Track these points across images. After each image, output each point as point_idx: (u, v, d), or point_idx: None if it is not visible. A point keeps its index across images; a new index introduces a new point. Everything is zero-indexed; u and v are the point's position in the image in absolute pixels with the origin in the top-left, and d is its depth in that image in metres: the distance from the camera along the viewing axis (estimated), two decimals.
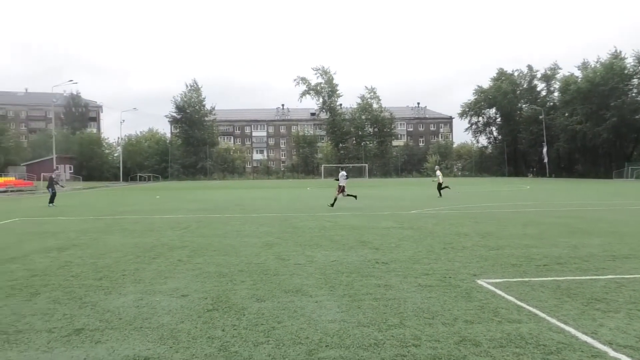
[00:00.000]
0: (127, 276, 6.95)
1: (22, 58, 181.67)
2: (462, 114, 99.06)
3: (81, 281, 6.66)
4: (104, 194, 38.43)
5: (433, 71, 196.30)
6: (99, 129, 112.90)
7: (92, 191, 44.31)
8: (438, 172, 27.24)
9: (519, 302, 5.39)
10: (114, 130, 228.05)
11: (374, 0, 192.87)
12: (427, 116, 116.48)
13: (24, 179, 53.65)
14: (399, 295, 5.72)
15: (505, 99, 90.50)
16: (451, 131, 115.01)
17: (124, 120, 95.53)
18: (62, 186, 23.54)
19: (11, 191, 42.13)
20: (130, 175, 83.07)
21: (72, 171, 72.73)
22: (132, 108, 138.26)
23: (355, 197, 21.52)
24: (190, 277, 6.86)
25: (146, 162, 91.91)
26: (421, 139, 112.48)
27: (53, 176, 24.87)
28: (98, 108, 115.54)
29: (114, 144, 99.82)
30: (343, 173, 21.08)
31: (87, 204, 25.16)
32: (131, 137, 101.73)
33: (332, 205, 19.52)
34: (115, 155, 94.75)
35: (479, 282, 6.37)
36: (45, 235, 11.71)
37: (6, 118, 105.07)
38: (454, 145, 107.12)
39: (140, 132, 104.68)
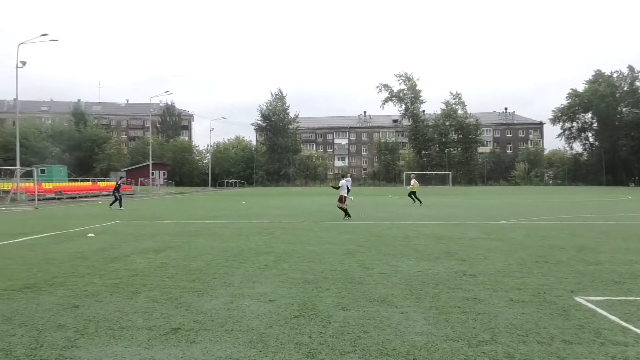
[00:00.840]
0: (217, 279, 7.24)
1: (126, 71, 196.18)
2: (554, 120, 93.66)
3: (176, 282, 7.04)
4: (194, 199, 40.45)
5: (521, 75, 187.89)
6: (190, 137, 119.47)
7: (183, 196, 46.80)
8: (413, 181, 27.73)
9: (623, 323, 4.98)
10: (204, 137, 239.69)
11: (458, 3, 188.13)
12: (515, 122, 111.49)
13: (124, 184, 57.63)
14: (489, 310, 5.49)
15: (603, 103, 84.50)
16: (542, 137, 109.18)
17: (213, 129, 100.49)
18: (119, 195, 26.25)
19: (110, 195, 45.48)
20: (218, 181, 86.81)
21: (165, 177, 77.32)
22: (221, 117, 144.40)
23: (348, 215, 17.67)
24: (276, 282, 7.02)
25: (233, 168, 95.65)
26: (509, 146, 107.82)
27: (119, 182, 27.89)
28: (190, 117, 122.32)
29: (204, 151, 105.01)
30: (344, 181, 18.53)
31: (179, 208, 26.60)
32: (219, 144, 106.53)
33: (348, 216, 17.54)
34: (205, 162, 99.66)
35: (577, 299, 5.96)
36: (143, 238, 12.51)
37: (110, 127, 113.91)
38: (545, 152, 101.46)
39: (228, 139, 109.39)
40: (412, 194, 26.74)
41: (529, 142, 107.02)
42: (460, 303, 5.80)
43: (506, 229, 14.27)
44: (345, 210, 17.67)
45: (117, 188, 26.57)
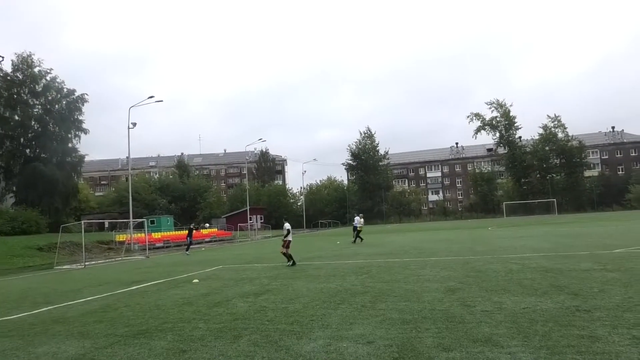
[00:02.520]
0: (315, 321, 7.28)
1: (223, 123, 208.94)
2: None
3: (275, 325, 7.16)
4: None
5: (628, 89, 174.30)
6: (284, 180, 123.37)
7: (280, 239, 47.97)
8: (357, 219, 29.84)
9: None
10: (297, 180, 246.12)
11: (544, 20, 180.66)
12: (625, 140, 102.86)
13: (224, 230, 60.42)
14: (609, 349, 4.99)
15: None
16: None
17: (305, 171, 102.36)
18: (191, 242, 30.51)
19: (214, 241, 47.76)
20: (312, 222, 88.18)
21: (262, 220, 79.91)
22: (312, 159, 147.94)
23: (293, 262, 16.75)
24: (374, 323, 6.91)
25: (326, 208, 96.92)
26: (620, 167, 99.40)
27: (191, 227, 31.49)
28: (283, 161, 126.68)
29: (297, 193, 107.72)
30: (287, 225, 17.59)
31: (276, 251, 27.23)
32: (312, 186, 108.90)
33: (292, 262, 16.58)
34: (299, 204, 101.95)
35: None
36: (243, 282, 12.94)
37: (210, 177, 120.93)
38: None
39: (320, 180, 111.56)
40: (358, 232, 28.92)
41: None
42: (575, 342, 5.33)
43: (624, 258, 13.02)
44: (289, 256, 16.80)
45: (189, 234, 30.43)
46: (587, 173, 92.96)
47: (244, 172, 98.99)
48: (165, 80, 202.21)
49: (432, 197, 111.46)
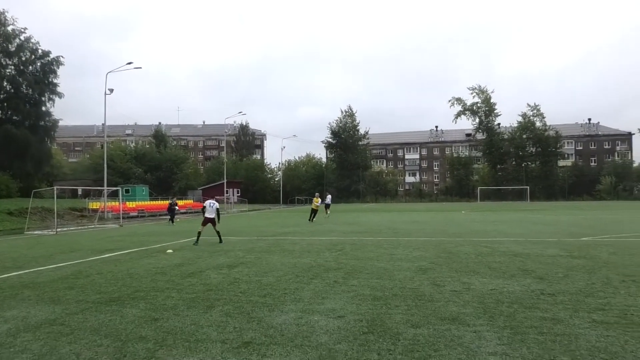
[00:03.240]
0: (288, 294, 7.37)
1: (203, 95, 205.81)
2: None
3: (248, 297, 7.23)
4: (266, 215, 41.38)
5: (607, 85, 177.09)
6: (263, 155, 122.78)
7: (256, 213, 48.01)
8: (329, 197, 32.45)
9: None
10: (276, 156, 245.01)
11: (536, 18, 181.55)
12: (599, 133, 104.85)
13: (201, 202, 60.04)
14: (569, 331, 5.20)
15: None
16: (630, 149, 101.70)
17: (284, 147, 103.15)
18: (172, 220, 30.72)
19: (190, 212, 47.52)
20: (289, 198, 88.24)
21: (239, 194, 79.59)
22: (292, 135, 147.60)
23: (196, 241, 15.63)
24: (346, 298, 7.03)
25: (304, 185, 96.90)
26: (593, 159, 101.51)
27: (172, 203, 31.89)
28: (262, 136, 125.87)
29: (276, 169, 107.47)
30: (209, 203, 16.15)
31: (252, 224, 27.32)
32: (291, 162, 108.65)
33: (196, 242, 15.49)
34: (277, 179, 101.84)
35: None
36: (218, 253, 12.96)
37: (187, 148, 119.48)
38: (634, 165, 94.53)
39: (299, 157, 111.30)
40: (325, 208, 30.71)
41: (616, 154, 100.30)
42: (538, 323, 5.53)
43: (590, 246, 13.44)
44: (199, 234, 15.70)
45: (171, 209, 31.30)
46: (561, 163, 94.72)
47: (223, 144, 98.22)
48: (147, 49, 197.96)
49: (409, 179, 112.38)
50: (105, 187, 37.50)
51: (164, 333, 5.40)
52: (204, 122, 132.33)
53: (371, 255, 11.97)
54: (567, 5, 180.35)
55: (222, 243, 15.65)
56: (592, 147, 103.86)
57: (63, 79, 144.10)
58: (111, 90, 38.20)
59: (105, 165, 39.59)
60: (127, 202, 41.58)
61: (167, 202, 47.69)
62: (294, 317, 6.00)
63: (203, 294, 7.51)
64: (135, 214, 40.23)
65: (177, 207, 33.28)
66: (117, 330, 5.55)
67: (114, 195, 38.34)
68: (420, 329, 5.39)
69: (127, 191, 47.13)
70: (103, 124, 41.90)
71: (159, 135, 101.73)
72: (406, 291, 7.47)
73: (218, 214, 16.12)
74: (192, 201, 57.44)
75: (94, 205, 38.24)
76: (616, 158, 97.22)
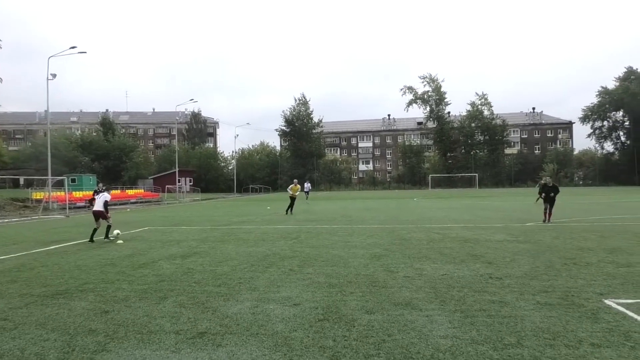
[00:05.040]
0: (243, 284, 7.33)
1: (152, 80, 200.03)
2: (584, 119, 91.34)
3: (202, 287, 7.15)
4: (219, 204, 40.88)
5: (549, 74, 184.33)
6: (215, 144, 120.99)
7: (209, 202, 47.33)
8: (307, 185, 31.27)
9: None
10: (229, 145, 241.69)
11: (482, 1, 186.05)
12: (543, 122, 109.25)
13: (151, 191, 58.67)
14: (515, 313, 5.42)
15: (634, 101, 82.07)
16: (571, 137, 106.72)
17: (237, 135, 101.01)
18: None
19: (140, 202, 46.32)
20: (243, 186, 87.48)
21: (192, 183, 78.22)
22: (246, 123, 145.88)
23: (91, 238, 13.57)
24: (301, 286, 7.06)
25: (258, 174, 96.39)
26: (537, 147, 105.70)
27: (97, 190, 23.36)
28: (215, 124, 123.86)
29: (229, 157, 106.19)
30: (104, 195, 14.56)
31: (205, 214, 26.92)
32: (244, 150, 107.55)
33: (90, 237, 13.51)
34: (230, 168, 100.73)
35: (607, 302, 5.84)
36: (171, 243, 12.72)
37: (137, 136, 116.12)
38: (575, 152, 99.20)
39: (253, 146, 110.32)
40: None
41: (558, 142, 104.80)
42: (486, 306, 5.74)
43: (534, 231, 14.04)
44: (95, 231, 13.77)
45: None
46: (508, 151, 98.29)
47: (174, 132, 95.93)
48: (93, 33, 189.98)
49: (363, 167, 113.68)
50: (49, 176, 35.97)
51: (115, 325, 5.26)
52: (154, 110, 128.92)
53: (326, 243, 12.06)
54: None
55: (107, 239, 13.66)
56: (536, 135, 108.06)
57: (1, 63, 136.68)
58: (54, 76, 36.58)
59: (49, 154, 37.91)
60: (74, 192, 40.06)
61: (116, 192, 46.39)
62: (250, 306, 5.98)
63: (155, 285, 7.36)
64: (82, 204, 38.84)
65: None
66: (64, 324, 5.36)
67: (59, 185, 36.86)
68: (375, 314, 5.49)
69: (73, 180, 45.43)
70: (46, 111, 40.15)
71: (106, 123, 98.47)
72: (361, 278, 7.57)
73: (106, 207, 14.19)
74: (142, 191, 55.98)
75: (37, 195, 36.63)
76: (558, 146, 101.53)
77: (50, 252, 11.64)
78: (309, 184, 31.37)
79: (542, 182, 29.83)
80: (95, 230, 13.84)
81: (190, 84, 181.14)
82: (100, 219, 14.07)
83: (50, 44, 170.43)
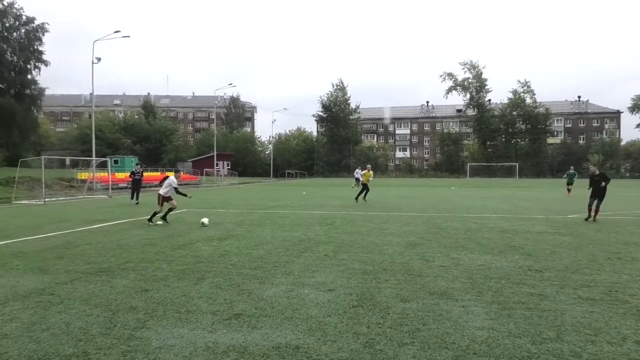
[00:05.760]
0: (278, 267, 7.40)
1: (193, 65, 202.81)
2: (633, 108, 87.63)
3: (239, 270, 7.25)
4: (256, 188, 41.35)
5: (597, 62, 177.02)
6: (253, 128, 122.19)
7: (246, 186, 47.95)
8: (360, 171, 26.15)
9: None
10: (267, 129, 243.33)
11: None
12: (589, 111, 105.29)
13: (190, 174, 59.81)
14: (555, 307, 5.28)
15: None
16: (618, 127, 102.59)
17: (275, 120, 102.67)
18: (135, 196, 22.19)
19: (180, 185, 47.26)
20: (279, 171, 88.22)
21: (229, 167, 79.38)
22: (283, 108, 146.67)
23: (150, 221, 13.52)
24: (336, 272, 7.08)
25: (294, 159, 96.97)
26: (582, 136, 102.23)
27: (134, 171, 23.37)
28: (253, 109, 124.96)
29: (266, 142, 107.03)
30: (172, 179, 14.17)
31: (242, 197, 27.29)
32: (281, 135, 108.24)
33: (149, 221, 13.45)
34: (267, 152, 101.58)
35: None
36: (208, 226, 12.94)
37: (177, 119, 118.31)
38: (622, 143, 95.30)
39: (290, 131, 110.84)
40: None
41: (604, 132, 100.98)
42: (525, 299, 5.61)
43: (577, 223, 13.61)
44: (154, 215, 13.65)
45: (132, 176, 23.07)
46: (550, 140, 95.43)
47: (213, 116, 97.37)
48: (137, 18, 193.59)
49: (400, 154, 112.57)
50: (93, 158, 37.14)
51: (154, 304, 5.41)
52: (193, 94, 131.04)
53: (361, 230, 12.03)
54: None
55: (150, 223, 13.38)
56: (581, 125, 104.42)
57: (49, 47, 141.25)
58: (99, 59, 37.52)
59: (93, 136, 39.14)
60: (116, 173, 41.26)
61: (157, 174, 47.57)
62: (284, 290, 6.03)
63: (193, 266, 7.51)
64: (124, 185, 39.96)
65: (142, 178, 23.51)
66: (107, 301, 5.54)
67: (102, 165, 38.00)
68: (409, 303, 5.45)
69: (115, 162, 46.73)
70: (91, 94, 41.37)
71: (148, 106, 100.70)
72: (396, 266, 7.53)
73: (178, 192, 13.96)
74: (182, 173, 57.11)
75: (82, 175, 37.93)
76: (604, 136, 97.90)
77: (93, 231, 12.05)
78: (362, 171, 30.51)
79: (571, 172, 29.09)
80: (159, 213, 13.67)
81: (229, 69, 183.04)
82: (165, 202, 13.77)
83: (96, 28, 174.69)
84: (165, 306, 5.32)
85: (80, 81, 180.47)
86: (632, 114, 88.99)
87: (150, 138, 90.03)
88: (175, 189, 13.96)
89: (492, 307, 5.29)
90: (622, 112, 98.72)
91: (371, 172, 23.09)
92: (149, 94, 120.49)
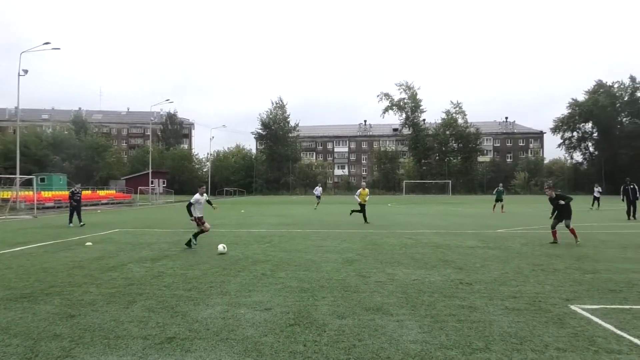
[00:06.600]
0: (214, 288, 7.25)
1: (127, 80, 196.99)
2: (555, 129, 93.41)
3: (172, 291, 7.04)
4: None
5: (523, 85, 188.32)
6: (190, 145, 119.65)
7: (182, 204, 46.73)
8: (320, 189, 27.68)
9: (618, 331, 5.00)
10: (205, 147, 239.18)
11: (460, 13, 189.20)
12: (515, 131, 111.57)
13: (123, 192, 57.66)
14: (484, 318, 5.50)
15: (603, 113, 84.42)
16: (542, 147, 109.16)
17: (213, 137, 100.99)
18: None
19: (112, 203, 45.48)
20: (217, 189, 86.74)
21: (165, 185, 77.23)
22: (222, 125, 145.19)
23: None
24: (273, 291, 7.02)
25: (232, 176, 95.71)
26: (509, 155, 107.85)
27: (73, 191, 20.94)
28: (191, 125, 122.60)
29: (204, 159, 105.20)
30: (198, 196, 12.49)
31: (178, 216, 26.57)
32: (219, 152, 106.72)
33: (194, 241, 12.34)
34: (205, 170, 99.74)
35: (573, 307, 5.98)
36: (141, 246, 12.51)
37: (110, 135, 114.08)
38: (545, 162, 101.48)
39: (229, 148, 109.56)
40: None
41: (529, 151, 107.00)
42: (456, 311, 5.81)
43: (505, 237, 14.28)
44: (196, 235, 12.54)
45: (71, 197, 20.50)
46: (480, 158, 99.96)
47: (148, 133, 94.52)
48: (69, 30, 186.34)
49: (338, 172, 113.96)
50: (17, 175, 35.04)
51: (81, 330, 5.14)
52: (128, 109, 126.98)
53: (299, 247, 12.03)
54: (491, 8, 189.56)
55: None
56: (509, 144, 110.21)
57: None
58: (25, 72, 35.78)
59: (18, 152, 36.96)
60: (43, 192, 39.08)
61: (87, 193, 45.45)
62: (220, 310, 5.92)
63: (124, 289, 7.22)
64: (51, 204, 37.92)
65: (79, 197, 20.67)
66: (28, 329, 5.21)
67: (27, 184, 35.91)
68: (346, 319, 5.49)
69: (42, 180, 44.32)
70: (16, 107, 39.17)
71: (78, 121, 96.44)
72: (333, 282, 7.58)
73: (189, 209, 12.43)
74: (114, 192, 54.97)
75: (4, 194, 35.59)
76: (529, 155, 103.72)
77: (15, 254, 11.32)
78: (320, 189, 30.59)
79: (501, 189, 30.52)
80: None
81: (166, 85, 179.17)
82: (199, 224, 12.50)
83: (24, 40, 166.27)
84: (92, 332, 5.07)
85: (4, 94, 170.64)
86: (553, 134, 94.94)
87: (81, 155, 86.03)
88: (207, 201, 12.91)
89: (426, 320, 5.44)
90: (545, 133, 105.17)
91: (367, 189, 22.11)
92: (80, 108, 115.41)
